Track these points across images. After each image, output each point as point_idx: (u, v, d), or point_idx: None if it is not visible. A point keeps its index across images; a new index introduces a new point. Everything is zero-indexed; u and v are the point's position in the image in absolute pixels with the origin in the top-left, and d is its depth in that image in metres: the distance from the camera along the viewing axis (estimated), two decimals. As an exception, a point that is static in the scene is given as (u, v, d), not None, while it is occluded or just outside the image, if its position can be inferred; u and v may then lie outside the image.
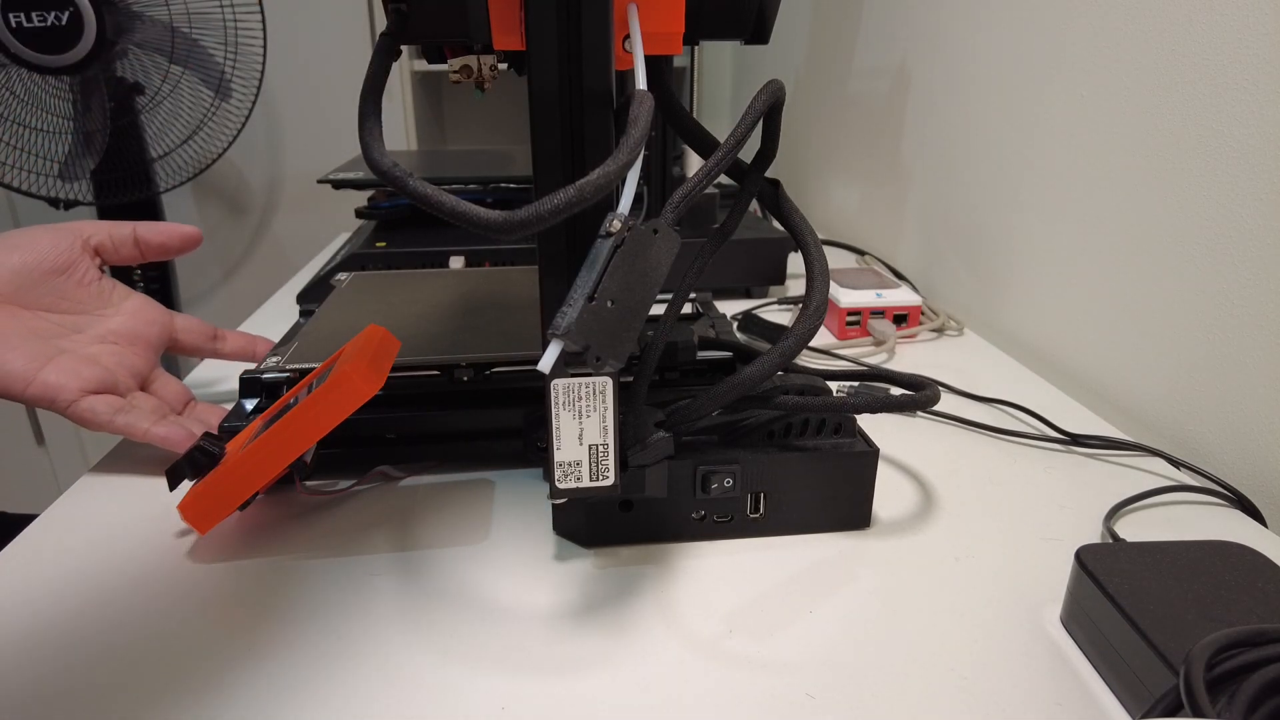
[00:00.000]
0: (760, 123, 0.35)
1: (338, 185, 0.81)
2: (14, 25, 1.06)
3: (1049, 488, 0.45)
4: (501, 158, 0.96)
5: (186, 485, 0.39)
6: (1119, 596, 0.30)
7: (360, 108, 0.30)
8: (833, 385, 0.47)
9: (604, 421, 0.33)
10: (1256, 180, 0.44)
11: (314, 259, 0.95)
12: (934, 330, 0.69)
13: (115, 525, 0.41)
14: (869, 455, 0.40)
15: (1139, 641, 0.28)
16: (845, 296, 0.66)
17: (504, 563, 0.38)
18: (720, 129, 1.71)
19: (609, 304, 0.28)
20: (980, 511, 0.42)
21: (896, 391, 0.42)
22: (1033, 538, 0.40)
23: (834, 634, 0.33)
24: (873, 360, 0.62)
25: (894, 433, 0.51)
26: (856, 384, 0.47)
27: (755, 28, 0.35)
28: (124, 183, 1.46)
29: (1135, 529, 0.41)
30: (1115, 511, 0.41)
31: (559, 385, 0.32)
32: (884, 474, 0.46)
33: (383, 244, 0.73)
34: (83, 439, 1.60)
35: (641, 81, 0.30)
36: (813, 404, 0.37)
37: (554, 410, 0.32)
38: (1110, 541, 0.37)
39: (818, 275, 0.34)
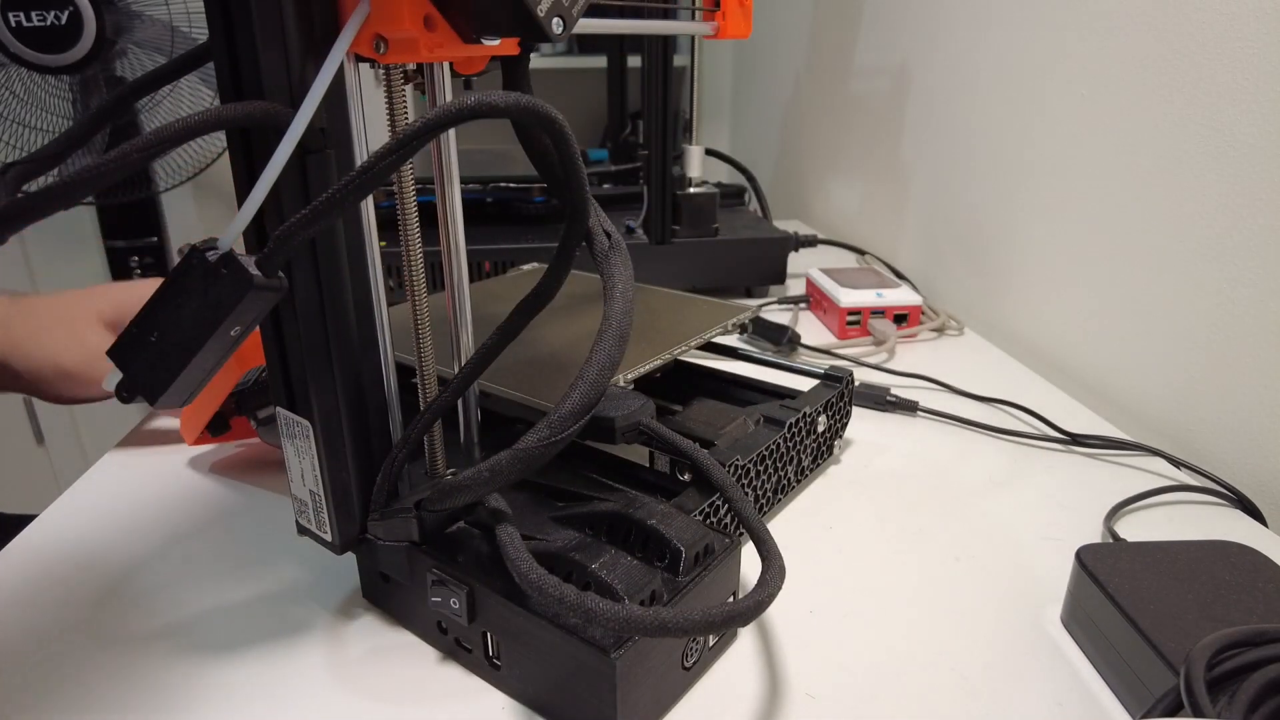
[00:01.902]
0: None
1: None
2: (13, 25, 1.06)
3: (1049, 487, 0.45)
4: (501, 157, 0.96)
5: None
6: (1119, 596, 0.30)
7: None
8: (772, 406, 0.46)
9: (314, 469, 0.29)
10: (1258, 180, 0.44)
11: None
12: (934, 330, 0.69)
13: (110, 524, 0.41)
14: (599, 658, 0.25)
15: (1139, 641, 0.28)
16: (845, 296, 0.66)
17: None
18: (719, 130, 1.70)
19: (152, 334, 0.25)
20: (980, 511, 0.42)
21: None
22: (1033, 537, 0.40)
23: (834, 634, 0.33)
24: (873, 360, 0.62)
25: (895, 431, 0.51)
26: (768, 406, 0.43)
27: (518, 20, 0.26)
28: (124, 182, 1.46)
29: (1136, 529, 0.41)
30: (1116, 511, 0.41)
31: (280, 411, 0.29)
32: (885, 474, 0.46)
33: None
34: (82, 439, 1.60)
35: (315, 96, 0.25)
36: (509, 557, 0.26)
37: (282, 436, 0.30)
38: (1111, 541, 0.37)
39: (605, 339, 0.27)
